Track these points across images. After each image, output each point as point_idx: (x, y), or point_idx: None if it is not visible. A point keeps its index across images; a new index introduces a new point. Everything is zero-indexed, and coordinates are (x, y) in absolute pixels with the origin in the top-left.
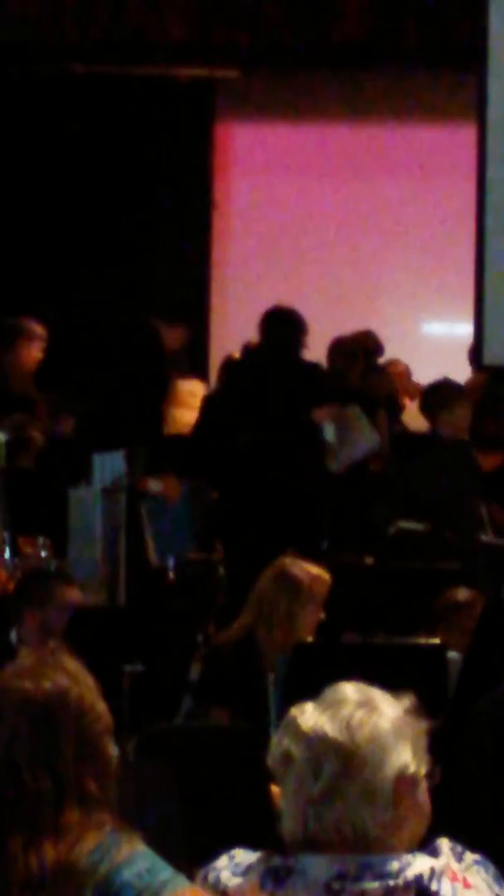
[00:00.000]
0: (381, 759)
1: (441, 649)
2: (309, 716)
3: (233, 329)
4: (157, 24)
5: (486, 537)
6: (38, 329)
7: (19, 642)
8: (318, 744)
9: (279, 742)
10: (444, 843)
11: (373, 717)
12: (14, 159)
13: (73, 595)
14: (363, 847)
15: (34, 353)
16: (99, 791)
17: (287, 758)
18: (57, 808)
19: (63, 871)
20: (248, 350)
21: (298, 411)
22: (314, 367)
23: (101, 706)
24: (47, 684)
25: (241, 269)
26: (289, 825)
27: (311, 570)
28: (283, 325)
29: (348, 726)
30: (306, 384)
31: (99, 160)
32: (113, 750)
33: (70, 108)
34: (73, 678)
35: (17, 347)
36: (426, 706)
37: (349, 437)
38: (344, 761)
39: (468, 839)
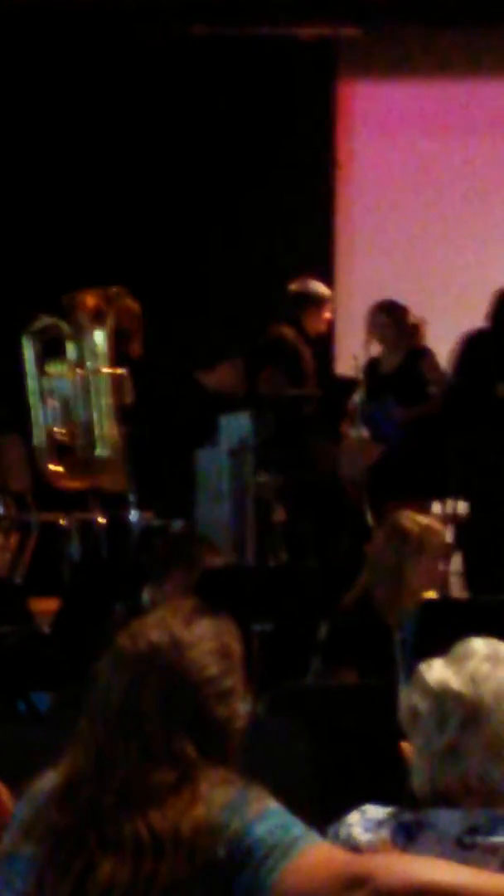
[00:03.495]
0: None
1: None
2: (436, 671)
3: (357, 289)
4: None
5: None
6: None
7: (152, 603)
8: (443, 697)
9: (408, 698)
10: None
11: (498, 670)
12: (138, 123)
13: (218, 560)
14: (492, 800)
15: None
16: (199, 752)
17: (414, 713)
18: (148, 769)
19: (193, 829)
20: None
21: None
22: None
23: (214, 668)
24: (142, 643)
25: (366, 229)
26: (418, 780)
27: (422, 521)
28: None
29: (473, 679)
30: None
31: (222, 122)
32: (232, 711)
33: (192, 70)
34: (191, 637)
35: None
36: None
37: None
38: (468, 714)
39: None
